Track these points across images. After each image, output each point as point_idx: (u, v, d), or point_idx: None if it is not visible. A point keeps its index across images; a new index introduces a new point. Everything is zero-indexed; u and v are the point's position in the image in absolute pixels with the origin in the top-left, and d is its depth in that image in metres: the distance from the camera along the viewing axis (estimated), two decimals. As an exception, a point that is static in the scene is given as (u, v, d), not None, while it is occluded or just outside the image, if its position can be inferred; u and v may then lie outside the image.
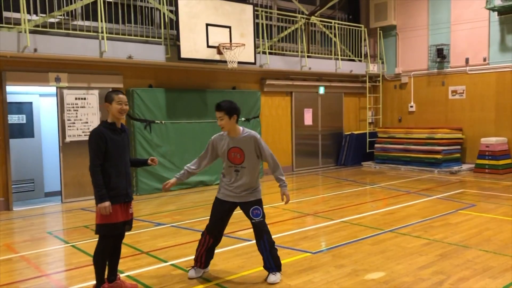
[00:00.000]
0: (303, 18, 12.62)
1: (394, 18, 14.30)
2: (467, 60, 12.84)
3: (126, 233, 6.60)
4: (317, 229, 6.76)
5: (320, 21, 13.18)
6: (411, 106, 14.20)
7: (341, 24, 13.79)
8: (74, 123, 9.26)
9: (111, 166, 4.12)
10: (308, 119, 13.51)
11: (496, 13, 12.04)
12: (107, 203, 3.99)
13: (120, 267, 5.10)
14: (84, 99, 9.39)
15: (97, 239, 4.23)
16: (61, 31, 8.64)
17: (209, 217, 4.75)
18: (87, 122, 9.43)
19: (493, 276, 4.59)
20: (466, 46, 12.84)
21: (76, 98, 9.28)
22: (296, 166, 13.19)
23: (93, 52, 8.87)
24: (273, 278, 4.53)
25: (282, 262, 4.72)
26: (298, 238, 6.19)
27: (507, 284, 4.38)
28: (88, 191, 9.45)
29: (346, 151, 14.14)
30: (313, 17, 12.86)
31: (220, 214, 4.68)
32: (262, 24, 11.56)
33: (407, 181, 10.92)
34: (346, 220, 7.18)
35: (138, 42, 9.56)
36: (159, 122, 10.06)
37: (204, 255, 4.73)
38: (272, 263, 4.58)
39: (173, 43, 9.84)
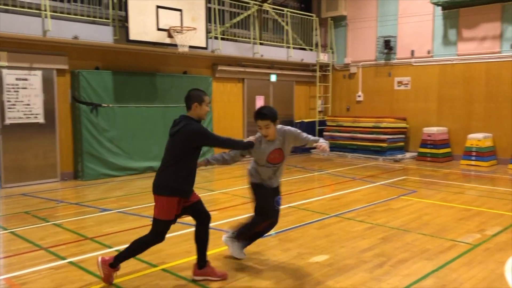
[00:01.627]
0: (256, 4, 12.59)
1: (344, 8, 14.56)
2: (412, 52, 13.31)
3: (70, 219, 6.47)
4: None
5: (273, 8, 13.20)
6: (359, 96, 14.58)
7: (293, 13, 13.88)
8: (14, 104, 8.82)
9: (194, 162, 4.13)
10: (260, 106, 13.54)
11: (440, 7, 12.52)
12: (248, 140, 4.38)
13: (62, 253, 4.98)
14: (26, 80, 8.95)
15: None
16: (0, 7, 8.16)
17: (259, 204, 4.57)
18: (29, 104, 9.01)
19: (429, 258, 4.83)
20: (412, 38, 13.30)
21: (17, 79, 8.83)
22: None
23: (36, 31, 8.46)
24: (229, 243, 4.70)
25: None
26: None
27: (442, 264, 4.63)
28: (30, 176, 9.10)
29: (296, 139, 14.33)
30: (265, 4, 12.86)
31: (269, 192, 4.57)
32: (215, 9, 11.43)
33: (353, 168, 11.25)
34: (294, 205, 7.31)
35: (84, 22, 9.20)
36: (106, 105, 9.77)
37: (255, 234, 4.74)
38: (243, 230, 4.64)
39: (122, 24, 9.55)
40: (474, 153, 11.70)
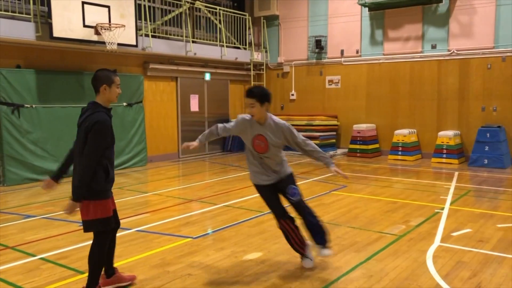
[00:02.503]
0: (188, 2, 12.44)
1: (277, 8, 14.76)
2: (342, 51, 13.75)
3: (-12, 228, 6.04)
4: (200, 214, 6.78)
5: (205, 6, 13.11)
6: (292, 94, 14.85)
7: (226, 11, 13.87)
8: None
9: (110, 157, 3.69)
10: (194, 105, 13.43)
11: (367, 8, 13.03)
12: (75, 205, 3.60)
13: (-21, 265, 4.63)
14: None
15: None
16: None
17: (269, 208, 4.49)
18: None
19: (358, 250, 5.01)
20: (341, 38, 13.74)
21: None
22: (182, 153, 13.07)
23: None
24: (326, 251, 4.42)
25: (161, 249, 4.65)
26: (180, 224, 6.16)
27: (369, 256, 4.81)
28: None
29: (232, 138, 14.36)
30: (197, 2, 12.74)
31: (273, 196, 4.43)
32: (145, 6, 11.16)
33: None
34: (229, 204, 7.31)
35: (3, 18, 8.62)
36: (29, 106, 9.23)
37: (299, 237, 4.48)
38: (325, 235, 4.44)
39: (45, 20, 9.05)
40: (400, 148, 12.30)
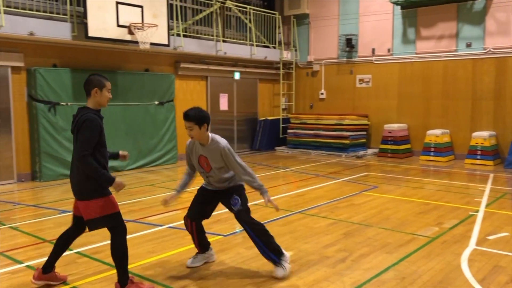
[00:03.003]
0: (218, 1, 12.53)
1: (307, 7, 14.69)
2: (373, 50, 13.58)
3: (27, 222, 6.25)
4: (230, 212, 6.79)
5: (236, 6, 13.17)
6: (322, 93, 14.76)
7: (256, 10, 13.90)
8: (-34, 103, 8.44)
9: (102, 157, 3.79)
10: (223, 104, 13.52)
11: (399, 6, 12.82)
12: (119, 179, 3.75)
13: (19, 257, 4.81)
14: (-22, 77, 8.58)
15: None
16: (-51, 1, 7.79)
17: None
18: (-18, 103, 8.63)
19: (390, 252, 4.95)
20: (373, 37, 13.57)
21: (-32, 76, 8.45)
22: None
23: (-12, 26, 8.11)
24: (278, 272, 4.22)
25: (192, 245, 4.70)
26: (211, 221, 6.16)
27: (402, 257, 4.75)
28: (-16, 178, 8.72)
29: (261, 136, 14.40)
30: (228, 1, 12.81)
31: (199, 200, 4.52)
32: (176, 5, 11.29)
33: (317, 165, 11.39)
34: (258, 203, 7.31)
35: (40, 18, 8.89)
36: (64, 104, 9.49)
37: (197, 239, 4.54)
38: (265, 248, 4.25)
39: (80, 20, 9.29)
40: (432, 149, 12.06)
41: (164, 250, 5.01)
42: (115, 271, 4.39)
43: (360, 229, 5.79)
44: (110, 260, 4.65)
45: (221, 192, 4.45)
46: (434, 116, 12.68)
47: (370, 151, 13.38)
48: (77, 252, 4.96)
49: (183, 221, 4.66)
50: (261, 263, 4.59)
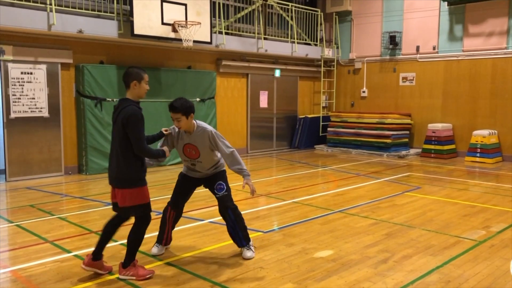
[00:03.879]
0: (261, -1, 12.55)
1: (349, 3, 14.48)
2: (417, 48, 13.24)
3: (74, 213, 6.49)
4: (269, 209, 6.85)
5: (277, 3, 13.15)
6: (364, 91, 14.53)
7: (298, 8, 13.83)
8: (19, 98, 8.84)
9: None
10: (263, 102, 13.55)
11: (446, 3, 12.44)
12: (165, 148, 4.21)
13: (67, 246, 5.00)
14: (31, 73, 8.96)
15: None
16: (5, 0, 8.15)
17: (172, 193, 4.79)
18: (33, 98, 9.02)
19: (434, 254, 4.82)
20: (417, 34, 13.23)
21: (22, 73, 8.84)
22: (251, 148, 13.25)
23: (41, 25, 8.45)
24: (247, 254, 4.62)
25: (232, 241, 4.75)
26: (251, 218, 6.24)
27: (446, 260, 4.62)
28: (35, 169, 9.13)
29: (300, 134, 14.34)
30: (270, -1, 12.82)
31: (183, 188, 4.74)
32: (219, 3, 11.39)
33: (357, 164, 11.23)
34: (298, 200, 7.31)
35: (89, 16, 9.18)
36: (110, 100, 9.77)
37: (171, 231, 4.78)
38: (240, 233, 4.63)
39: (126, 18, 9.54)
40: (479, 150, 11.65)
41: (205, 244, 5.08)
42: (159, 263, 4.51)
43: (403, 230, 5.67)
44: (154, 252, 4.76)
45: (205, 179, 4.68)
46: (481, 116, 12.23)
47: (412, 151, 13.07)
48: (122, 244, 5.10)
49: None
50: (302, 260, 4.59)
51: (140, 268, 4.16)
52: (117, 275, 4.16)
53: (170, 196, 4.83)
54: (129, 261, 4.11)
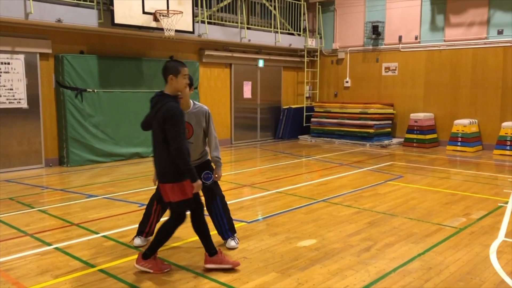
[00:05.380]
0: (243, -12, 12.44)
1: (333, -7, 14.46)
2: (400, 38, 13.31)
3: (55, 205, 6.40)
4: (253, 199, 6.84)
5: (260, -8, 13.06)
6: (347, 82, 14.57)
7: (281, -3, 13.76)
8: (-3, 89, 8.64)
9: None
10: (247, 92, 13.49)
11: (428, -7, 12.51)
12: (199, 182, 3.88)
13: (48, 239, 4.92)
14: (8, 64, 8.75)
15: None
16: (-20, -12, 7.93)
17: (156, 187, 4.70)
18: (12, 89, 8.82)
19: (416, 242, 4.88)
20: (400, 24, 13.28)
21: (-1, 63, 8.64)
22: (235, 139, 13.21)
23: (17, 13, 8.23)
24: (232, 243, 4.65)
25: (216, 231, 4.72)
26: (235, 208, 6.22)
27: (428, 248, 4.67)
28: (14, 162, 8.96)
29: (284, 125, 14.34)
30: (253, -12, 12.71)
31: None
32: (201, -8, 11.26)
33: (341, 154, 11.29)
34: (282, 190, 7.32)
35: (68, 5, 8.98)
36: (91, 90, 9.61)
37: (155, 224, 4.72)
38: (226, 223, 4.65)
39: (107, 7, 9.36)
40: (460, 139, 11.81)
41: (188, 235, 5.03)
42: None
43: (385, 219, 5.72)
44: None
45: None
46: (462, 106, 12.38)
47: (395, 140, 13.18)
48: (104, 236, 5.04)
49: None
50: (285, 250, 4.59)
51: (159, 262, 4.09)
52: (100, 266, 4.11)
53: (155, 188, 4.77)
54: (150, 253, 4.03)
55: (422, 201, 6.61)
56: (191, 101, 4.42)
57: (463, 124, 11.79)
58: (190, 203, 3.95)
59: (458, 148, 11.81)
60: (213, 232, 4.79)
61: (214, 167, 4.58)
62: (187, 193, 3.87)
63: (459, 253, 4.53)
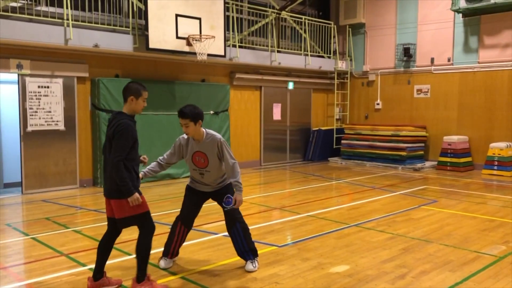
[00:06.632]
0: (274, 12, 12.61)
1: (363, 16, 14.48)
2: (432, 59, 13.16)
3: (89, 226, 6.51)
4: (284, 223, 6.79)
5: (291, 16, 13.21)
6: (378, 104, 14.45)
7: (311, 20, 13.87)
8: (36, 112, 8.96)
9: (131, 160, 3.97)
10: (277, 114, 13.55)
11: (460, 14, 12.37)
12: (136, 194, 3.91)
13: (82, 260, 5.00)
14: (48, 87, 9.09)
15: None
16: (24, 16, 8.31)
17: (180, 207, 4.79)
18: (50, 111, 9.13)
19: (453, 270, 4.72)
20: (432, 46, 13.15)
21: (39, 86, 8.97)
22: (264, 161, 13.23)
23: (58, 39, 8.58)
24: (250, 266, 4.63)
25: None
26: (265, 231, 6.20)
27: (466, 276, 4.51)
28: (50, 182, 9.20)
29: (314, 147, 14.28)
30: (283, 12, 12.87)
31: (192, 202, 4.73)
32: (233, 17, 11.48)
33: (372, 177, 11.12)
34: (312, 214, 7.24)
35: (104, 31, 9.31)
36: (125, 113, 9.83)
37: (179, 245, 4.78)
38: (247, 246, 4.64)
39: (141, 32, 9.65)
40: (496, 163, 11.46)
41: (219, 258, 5.04)
42: (172, 277, 4.48)
43: (420, 245, 5.57)
44: (173, 269, 4.75)
45: (212, 192, 4.68)
46: (498, 128, 12.06)
47: (428, 163, 12.91)
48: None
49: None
50: (318, 276, 4.52)
51: (154, 283, 4.13)
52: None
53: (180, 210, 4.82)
54: (142, 275, 4.06)
55: (458, 227, 6.41)
56: (204, 131, 4.48)
57: (500, 148, 11.46)
58: (150, 215, 4.06)
59: (495, 172, 11.45)
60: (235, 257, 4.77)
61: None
62: (145, 206, 4.01)
63: (500, 283, 4.36)
